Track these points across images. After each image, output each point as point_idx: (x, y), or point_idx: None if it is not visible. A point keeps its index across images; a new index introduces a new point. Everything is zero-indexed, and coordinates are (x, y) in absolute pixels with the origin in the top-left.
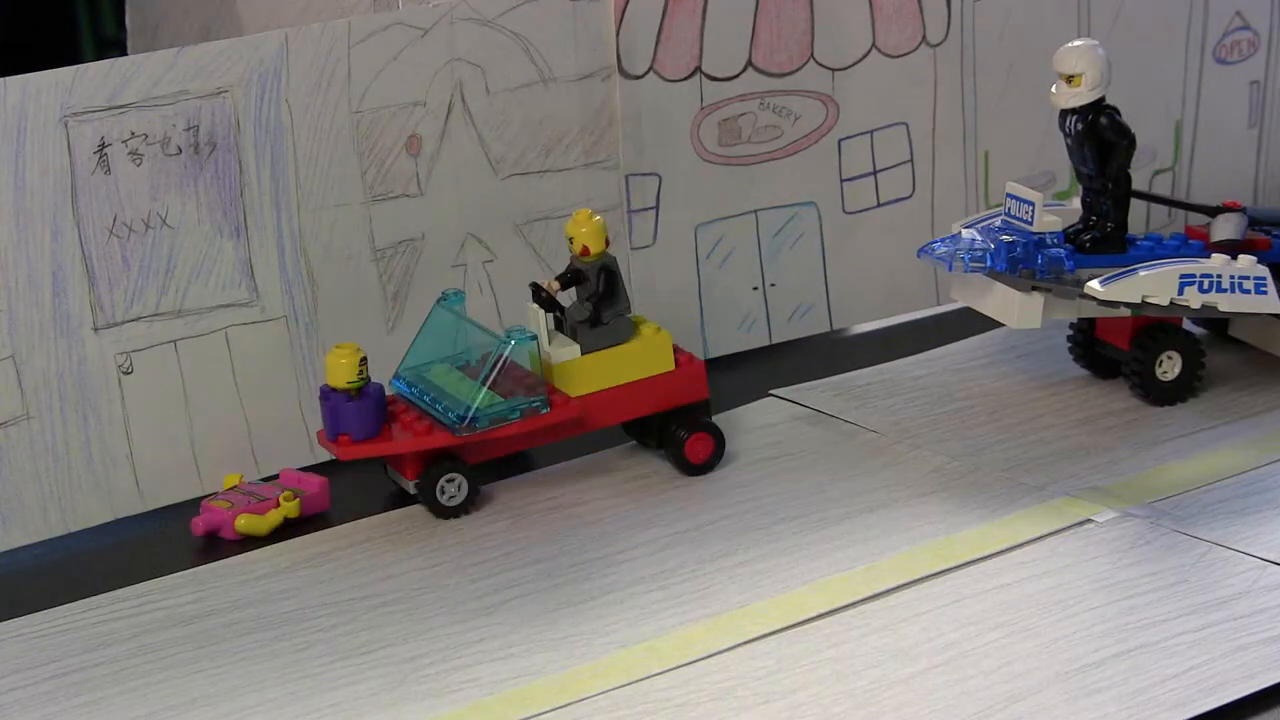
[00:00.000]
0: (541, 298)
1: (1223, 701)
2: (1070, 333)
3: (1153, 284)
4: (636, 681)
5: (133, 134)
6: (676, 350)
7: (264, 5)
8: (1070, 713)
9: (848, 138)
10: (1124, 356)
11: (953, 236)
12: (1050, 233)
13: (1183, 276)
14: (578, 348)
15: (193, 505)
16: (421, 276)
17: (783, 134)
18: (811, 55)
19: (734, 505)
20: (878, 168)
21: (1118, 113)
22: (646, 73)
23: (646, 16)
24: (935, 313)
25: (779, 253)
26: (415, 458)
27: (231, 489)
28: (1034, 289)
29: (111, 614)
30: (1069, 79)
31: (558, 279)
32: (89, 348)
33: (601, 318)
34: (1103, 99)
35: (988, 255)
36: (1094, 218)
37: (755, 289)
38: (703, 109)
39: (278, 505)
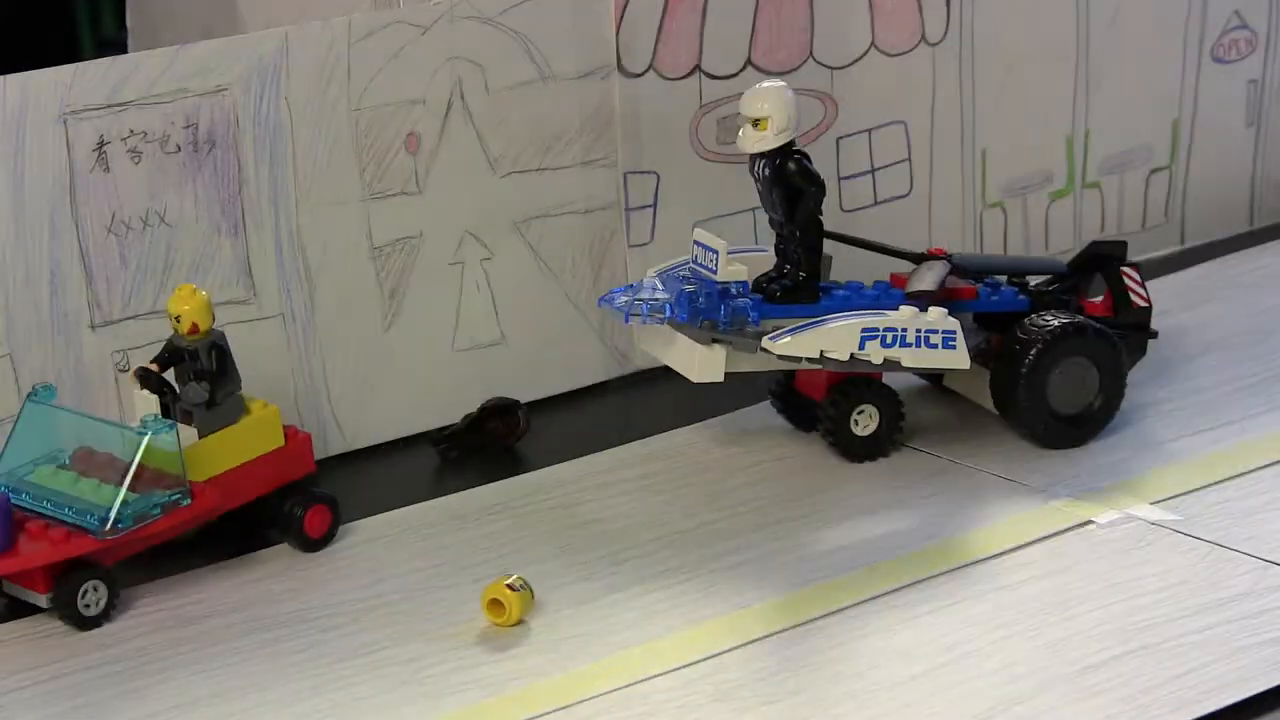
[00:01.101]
0: (151, 383)
1: (1225, 703)
2: (772, 383)
3: (832, 338)
4: (638, 682)
5: (132, 132)
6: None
7: (265, 3)
8: (1072, 714)
9: (846, 136)
10: (819, 410)
11: (635, 285)
12: (736, 282)
13: (864, 330)
14: (194, 431)
15: None
16: (419, 274)
17: None
18: (810, 54)
19: (734, 505)
20: (875, 166)
21: (807, 158)
22: (646, 71)
23: (646, 15)
24: None
25: None
26: (47, 570)
27: None
28: (715, 341)
29: (112, 615)
30: (755, 122)
31: (155, 361)
32: (86, 346)
33: (216, 398)
34: (792, 143)
35: (668, 306)
36: (786, 266)
37: None
38: (702, 107)
39: None
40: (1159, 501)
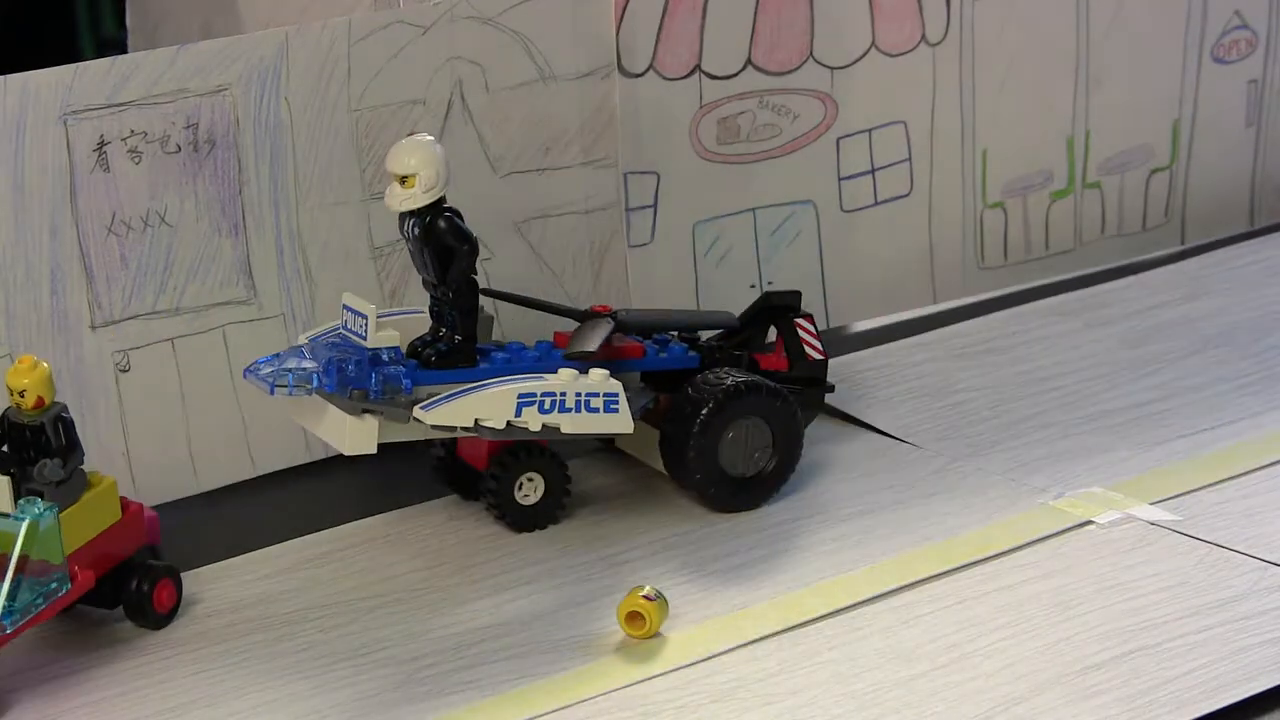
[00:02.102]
0: (1, 465)
1: (1224, 703)
2: (434, 452)
3: (487, 405)
4: (637, 683)
5: (132, 132)
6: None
7: (265, 3)
8: (1071, 714)
9: (846, 136)
10: (482, 479)
11: (281, 354)
12: (387, 348)
13: (521, 396)
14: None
15: (190, 502)
16: (419, 275)
17: (781, 132)
18: (811, 54)
19: None
20: (876, 166)
21: (459, 216)
22: (646, 71)
23: (647, 15)
24: (932, 311)
25: (776, 251)
26: None
27: None
28: (366, 411)
29: (113, 614)
30: (403, 179)
31: None
32: (86, 346)
33: (66, 473)
34: (441, 200)
35: (315, 375)
36: (442, 330)
37: (752, 287)
38: (702, 107)
39: None
40: (1159, 501)
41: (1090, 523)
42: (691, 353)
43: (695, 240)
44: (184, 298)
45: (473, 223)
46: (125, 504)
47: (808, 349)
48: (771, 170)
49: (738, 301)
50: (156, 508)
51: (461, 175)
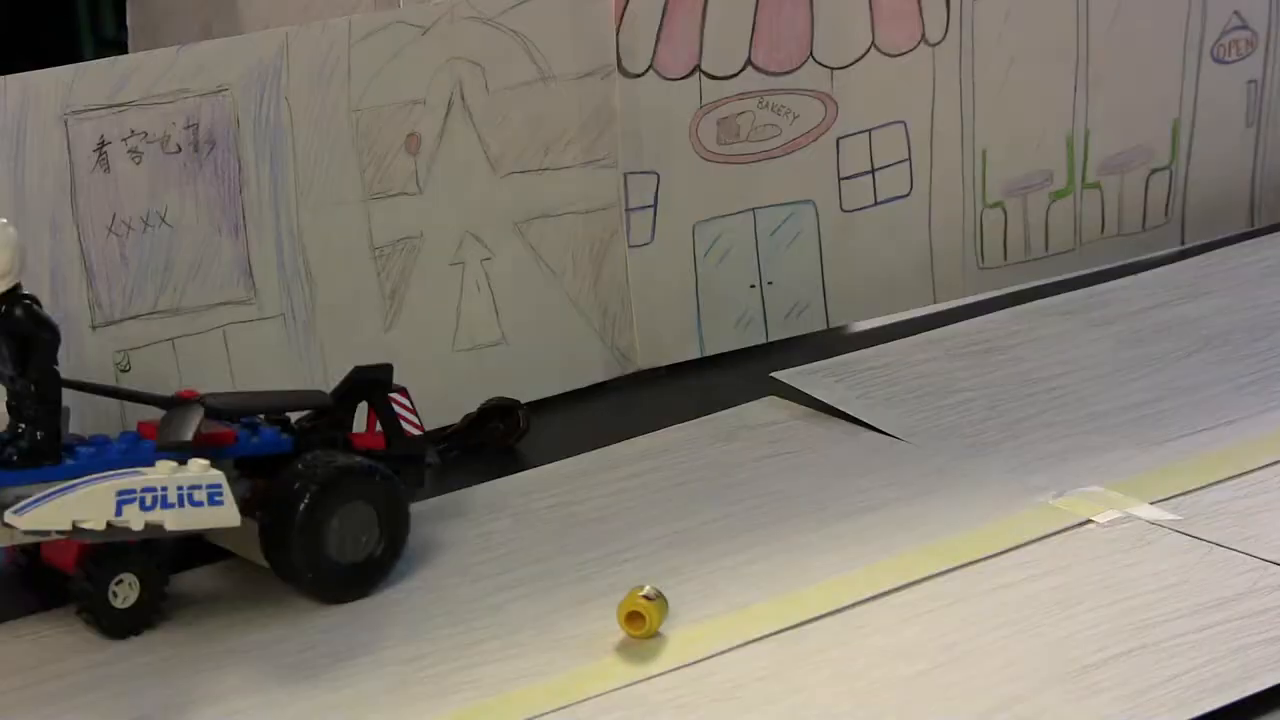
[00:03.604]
0: None
1: (1224, 702)
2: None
3: (85, 505)
4: (638, 682)
5: (132, 132)
6: None
7: (265, 4)
8: (1071, 713)
9: (846, 136)
10: (71, 584)
11: None
12: None
13: (120, 494)
14: None
15: None
16: (420, 275)
17: (781, 132)
18: (811, 54)
19: (735, 505)
20: (876, 166)
21: (36, 303)
22: (646, 71)
23: (647, 15)
24: (933, 310)
25: (777, 251)
26: None
27: None
28: None
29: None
30: None
31: None
32: (87, 346)
33: None
34: (17, 287)
35: None
36: (21, 426)
37: (753, 287)
38: (702, 107)
39: None
40: (1159, 501)
41: (1090, 522)
42: (285, 435)
43: (695, 240)
44: (184, 298)
45: (472, 222)
46: None
47: (405, 425)
48: (771, 170)
49: (737, 302)
50: None
51: (461, 175)
